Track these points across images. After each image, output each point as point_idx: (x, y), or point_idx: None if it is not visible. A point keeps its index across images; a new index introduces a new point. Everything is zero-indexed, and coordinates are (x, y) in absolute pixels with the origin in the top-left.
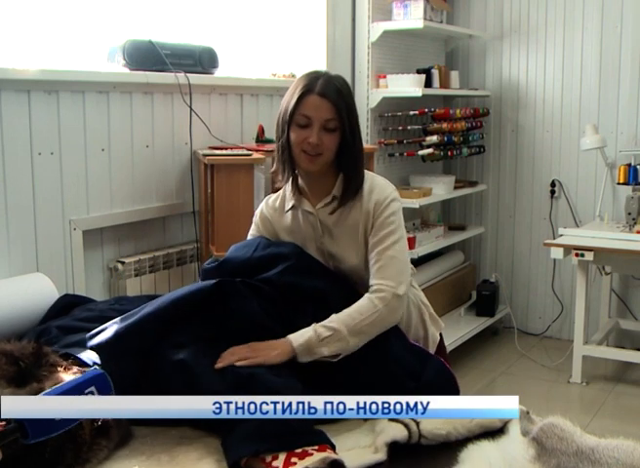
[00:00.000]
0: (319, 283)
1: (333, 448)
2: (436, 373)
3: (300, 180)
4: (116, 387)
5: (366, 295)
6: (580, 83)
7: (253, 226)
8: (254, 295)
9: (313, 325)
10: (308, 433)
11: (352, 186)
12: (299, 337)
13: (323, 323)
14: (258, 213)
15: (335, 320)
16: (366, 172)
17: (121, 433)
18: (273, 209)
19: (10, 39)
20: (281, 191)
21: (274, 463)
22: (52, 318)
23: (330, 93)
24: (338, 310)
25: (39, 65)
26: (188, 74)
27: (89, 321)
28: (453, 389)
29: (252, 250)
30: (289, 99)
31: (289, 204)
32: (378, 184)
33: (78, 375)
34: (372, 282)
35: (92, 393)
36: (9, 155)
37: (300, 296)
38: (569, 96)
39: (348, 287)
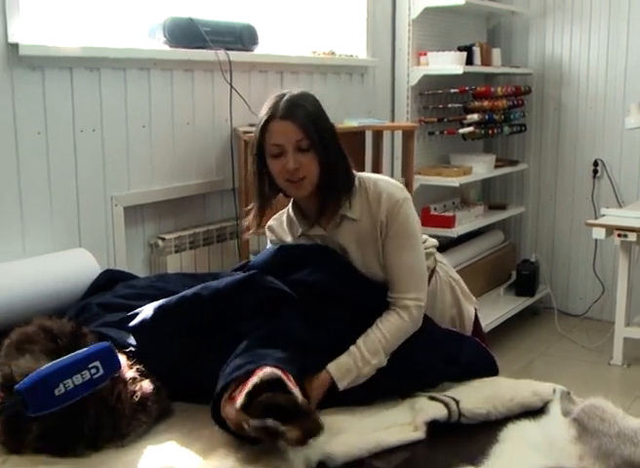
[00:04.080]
0: (352, 284)
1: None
2: (473, 353)
3: (302, 206)
4: (155, 367)
5: (394, 313)
6: (625, 60)
7: (269, 245)
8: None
9: (353, 349)
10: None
11: (333, 199)
12: (338, 368)
13: (362, 348)
14: (269, 234)
15: (372, 343)
16: (367, 175)
17: (160, 408)
18: (283, 229)
19: (52, 17)
20: (284, 215)
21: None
22: (94, 293)
23: (293, 113)
24: (372, 313)
25: (81, 43)
26: (228, 51)
27: (129, 298)
28: (491, 367)
29: (275, 251)
30: (255, 131)
31: (298, 230)
32: (384, 189)
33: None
34: (394, 295)
35: (96, 368)
36: (52, 132)
37: (334, 300)
38: (613, 73)
39: (379, 288)
